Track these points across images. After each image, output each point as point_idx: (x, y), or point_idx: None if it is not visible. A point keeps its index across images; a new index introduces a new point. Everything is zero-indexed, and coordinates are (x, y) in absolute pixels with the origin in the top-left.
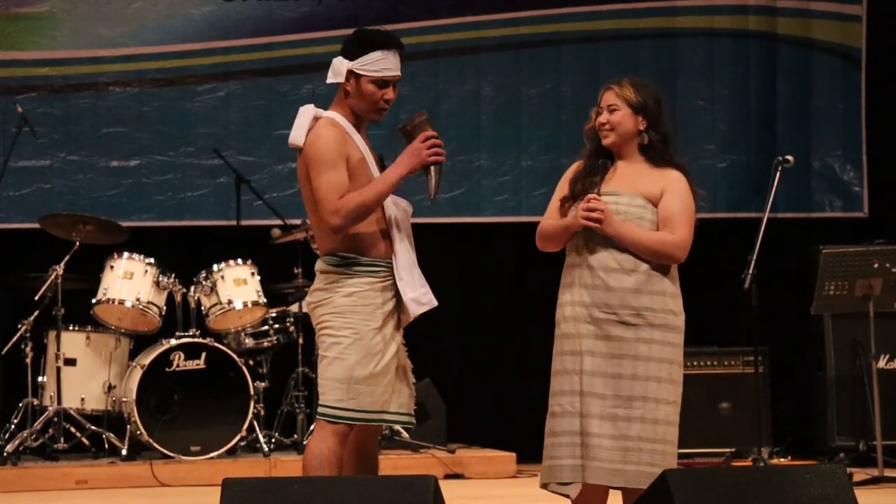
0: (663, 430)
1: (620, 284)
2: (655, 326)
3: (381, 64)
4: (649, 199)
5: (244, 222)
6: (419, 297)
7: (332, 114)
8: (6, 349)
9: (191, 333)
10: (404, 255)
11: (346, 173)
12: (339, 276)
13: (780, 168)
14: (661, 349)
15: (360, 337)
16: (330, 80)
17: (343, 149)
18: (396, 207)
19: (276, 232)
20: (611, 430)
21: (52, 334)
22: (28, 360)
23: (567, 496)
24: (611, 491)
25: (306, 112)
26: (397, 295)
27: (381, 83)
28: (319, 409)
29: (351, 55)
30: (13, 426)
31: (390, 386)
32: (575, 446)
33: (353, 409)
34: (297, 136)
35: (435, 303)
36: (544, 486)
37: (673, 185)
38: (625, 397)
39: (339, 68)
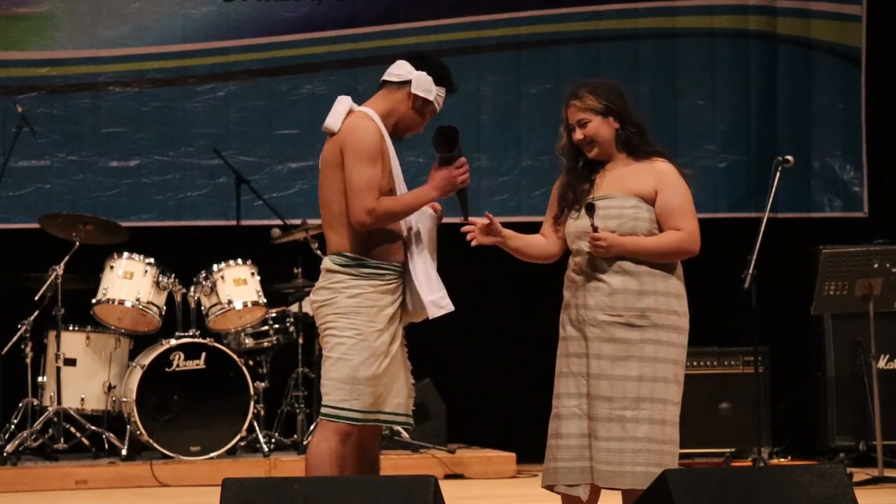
0: (670, 430)
1: (624, 287)
2: (661, 327)
3: (442, 101)
4: (643, 198)
5: (244, 222)
6: (438, 300)
7: (369, 111)
8: (6, 349)
9: (191, 333)
10: (421, 259)
11: (381, 170)
12: (345, 276)
13: (780, 168)
14: (666, 350)
15: (364, 338)
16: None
17: (383, 144)
18: (418, 213)
19: (276, 232)
20: (619, 433)
21: (52, 334)
22: (28, 360)
23: (554, 498)
24: (610, 491)
25: (344, 101)
26: (402, 297)
27: (431, 115)
28: (322, 409)
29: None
30: (13, 426)
31: (389, 386)
32: (583, 448)
33: (356, 410)
34: (333, 121)
35: (452, 307)
36: (549, 487)
37: (666, 180)
38: (632, 398)
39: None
